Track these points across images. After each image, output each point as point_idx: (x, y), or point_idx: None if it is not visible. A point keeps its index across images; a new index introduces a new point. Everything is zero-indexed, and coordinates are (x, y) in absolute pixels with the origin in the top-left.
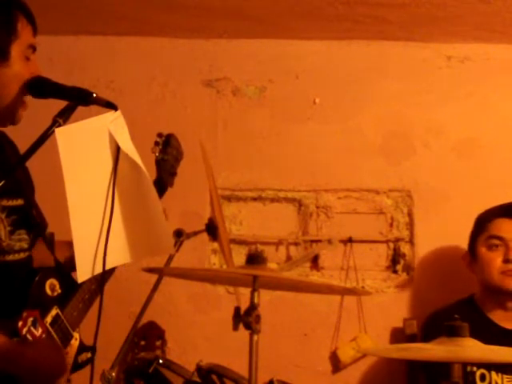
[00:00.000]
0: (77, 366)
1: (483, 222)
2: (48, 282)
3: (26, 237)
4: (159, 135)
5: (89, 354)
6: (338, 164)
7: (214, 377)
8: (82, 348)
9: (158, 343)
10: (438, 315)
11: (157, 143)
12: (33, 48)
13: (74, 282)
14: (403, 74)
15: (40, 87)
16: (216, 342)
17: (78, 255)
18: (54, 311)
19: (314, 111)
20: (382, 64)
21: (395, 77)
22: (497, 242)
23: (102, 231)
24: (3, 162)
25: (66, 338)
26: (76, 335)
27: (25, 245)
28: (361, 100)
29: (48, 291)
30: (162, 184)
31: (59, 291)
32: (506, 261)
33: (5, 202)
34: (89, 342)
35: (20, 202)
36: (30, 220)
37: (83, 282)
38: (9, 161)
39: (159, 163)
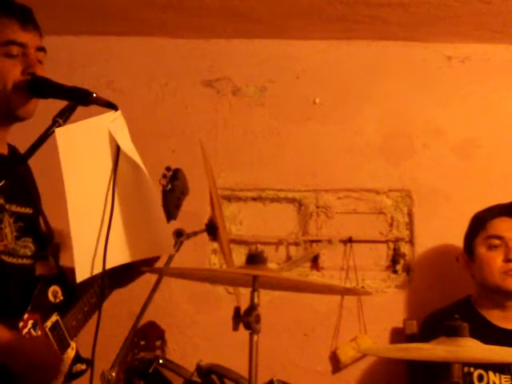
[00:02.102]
0: (71, 376)
1: (481, 221)
2: (51, 288)
3: (30, 245)
4: (167, 169)
5: (83, 366)
6: (338, 164)
7: (214, 377)
8: (78, 358)
9: (158, 343)
10: (434, 316)
11: (164, 176)
12: (17, 44)
13: (76, 291)
14: (403, 74)
15: (40, 87)
16: (216, 342)
17: (77, 255)
18: (54, 317)
19: (314, 111)
20: (382, 64)
21: (395, 77)
22: (496, 241)
23: (101, 231)
24: (16, 175)
25: (63, 346)
26: (73, 344)
27: (28, 252)
28: (361, 100)
29: (50, 297)
30: (167, 214)
31: (61, 298)
32: (506, 260)
33: (14, 208)
34: (87, 343)
35: (28, 210)
36: (37, 230)
37: (84, 293)
38: (22, 174)
39: (165, 194)
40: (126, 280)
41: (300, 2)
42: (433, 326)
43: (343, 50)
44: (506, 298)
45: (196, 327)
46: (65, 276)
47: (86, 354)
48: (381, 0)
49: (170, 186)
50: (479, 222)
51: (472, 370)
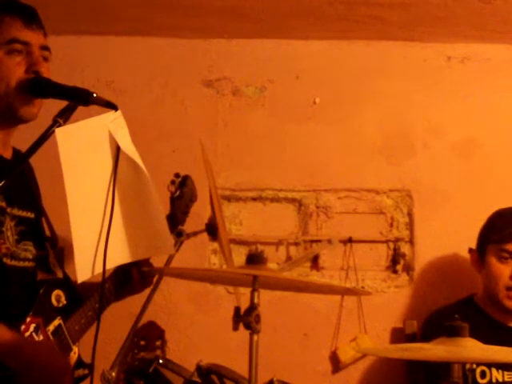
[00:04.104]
0: (73, 381)
1: (499, 233)
2: (54, 292)
3: (31, 248)
4: (176, 175)
5: (86, 371)
6: (338, 164)
7: (214, 377)
8: (80, 363)
9: (158, 343)
10: (437, 315)
11: (173, 182)
12: (20, 42)
13: (80, 296)
14: (403, 74)
15: (40, 87)
16: (216, 342)
17: (78, 255)
18: (56, 321)
19: (314, 111)
20: (382, 64)
21: (395, 77)
22: (507, 255)
23: (101, 231)
24: (20, 178)
25: (65, 350)
26: (75, 349)
27: (30, 255)
28: (361, 100)
29: (53, 301)
30: (175, 221)
31: (64, 302)
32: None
33: (16, 211)
34: (88, 343)
35: (31, 214)
36: (38, 234)
37: (88, 298)
38: (25, 178)
39: (174, 201)
40: (133, 290)
41: (300, 2)
42: (435, 324)
43: (343, 49)
44: (506, 312)
45: (196, 327)
46: (69, 280)
47: (86, 353)
48: (381, 0)
49: (178, 193)
50: (496, 234)
51: (474, 366)
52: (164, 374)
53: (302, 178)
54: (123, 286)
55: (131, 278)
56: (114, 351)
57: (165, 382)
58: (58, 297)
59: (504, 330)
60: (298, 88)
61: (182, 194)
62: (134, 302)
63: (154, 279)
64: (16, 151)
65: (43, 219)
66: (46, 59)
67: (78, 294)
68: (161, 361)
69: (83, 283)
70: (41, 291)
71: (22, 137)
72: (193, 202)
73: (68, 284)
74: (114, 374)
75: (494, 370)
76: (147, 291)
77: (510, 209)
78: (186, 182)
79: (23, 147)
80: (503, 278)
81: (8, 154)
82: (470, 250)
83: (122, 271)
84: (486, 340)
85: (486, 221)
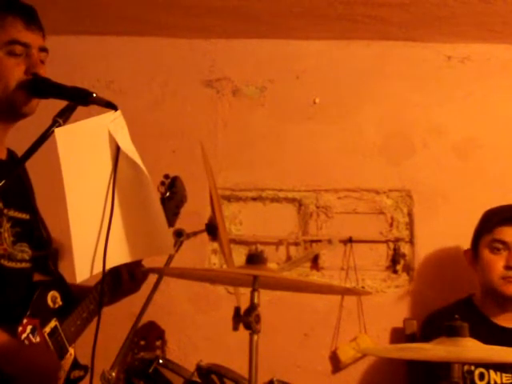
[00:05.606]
0: (69, 382)
1: (489, 223)
2: (50, 294)
3: (27, 249)
4: (166, 176)
5: (81, 372)
6: (338, 164)
7: (214, 377)
8: (76, 365)
9: (158, 343)
10: (436, 315)
11: (162, 183)
12: (21, 44)
13: (75, 297)
14: (403, 74)
15: (40, 87)
16: (216, 342)
17: (77, 255)
18: (53, 323)
19: (314, 111)
20: (382, 64)
21: (395, 77)
22: (500, 245)
23: (101, 231)
24: (15, 179)
25: (62, 352)
26: (71, 350)
27: (26, 256)
28: (361, 100)
29: (49, 302)
30: None
31: (60, 304)
32: (507, 267)
33: (11, 213)
34: (87, 344)
35: (26, 216)
36: (33, 236)
37: (83, 299)
38: (21, 179)
39: (164, 202)
40: (125, 291)
41: (300, 2)
42: (434, 325)
43: (343, 49)
44: (505, 301)
45: (196, 327)
46: (64, 281)
47: (85, 354)
48: (381, 0)
49: (168, 194)
50: (487, 224)
51: (473, 368)
52: (164, 374)
53: (301, 178)
54: (116, 287)
55: (121, 278)
56: (114, 351)
57: (165, 382)
58: (53, 298)
59: (500, 331)
60: (298, 88)
61: (172, 195)
62: (134, 302)
63: (150, 279)
64: (11, 152)
65: (38, 220)
66: (42, 61)
67: (73, 294)
68: (161, 361)
69: (76, 284)
70: (37, 292)
71: (19, 136)
72: (183, 202)
73: (63, 285)
74: (113, 374)
75: (492, 372)
76: (147, 291)
77: (501, 206)
78: (175, 183)
79: (21, 147)
80: (497, 268)
81: (3, 155)
82: (465, 252)
83: (114, 272)
84: (484, 340)
85: (478, 221)
